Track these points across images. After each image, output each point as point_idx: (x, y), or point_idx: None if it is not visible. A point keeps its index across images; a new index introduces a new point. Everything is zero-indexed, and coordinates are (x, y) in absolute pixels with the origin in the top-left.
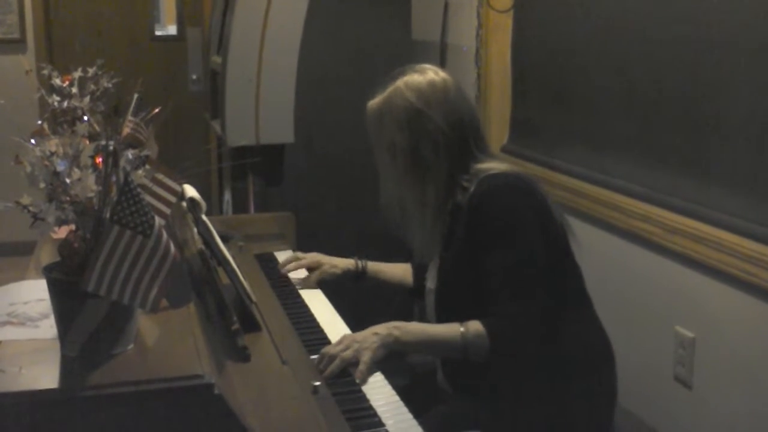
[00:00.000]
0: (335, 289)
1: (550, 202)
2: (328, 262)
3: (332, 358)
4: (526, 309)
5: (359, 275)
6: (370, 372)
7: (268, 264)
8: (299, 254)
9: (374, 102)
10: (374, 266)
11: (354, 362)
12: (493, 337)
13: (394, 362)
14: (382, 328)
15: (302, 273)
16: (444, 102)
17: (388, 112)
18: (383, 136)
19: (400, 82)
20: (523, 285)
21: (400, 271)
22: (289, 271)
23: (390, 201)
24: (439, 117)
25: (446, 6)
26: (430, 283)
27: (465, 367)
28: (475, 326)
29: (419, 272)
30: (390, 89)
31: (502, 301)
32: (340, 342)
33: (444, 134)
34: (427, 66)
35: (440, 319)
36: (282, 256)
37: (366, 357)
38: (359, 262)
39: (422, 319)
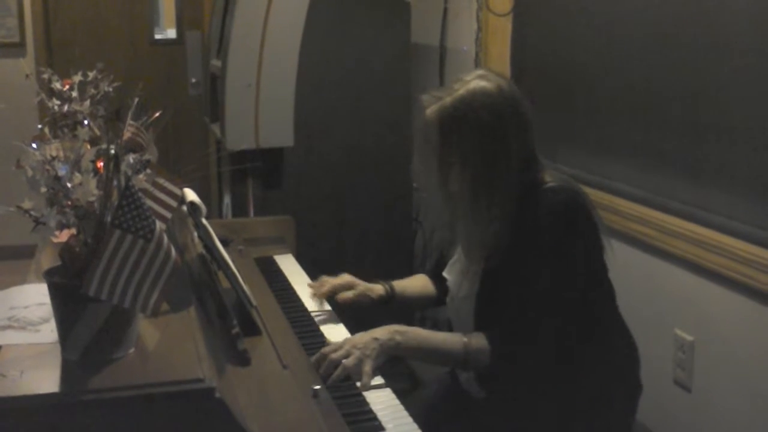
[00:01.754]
0: None
1: (598, 219)
2: (363, 284)
3: (333, 363)
4: (540, 333)
5: (389, 299)
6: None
7: (268, 268)
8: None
9: (433, 112)
10: (398, 285)
11: (356, 371)
12: (495, 356)
13: (394, 366)
14: (384, 332)
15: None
16: (514, 114)
17: (456, 130)
18: (449, 152)
19: (465, 92)
20: (545, 310)
21: (419, 284)
22: (318, 294)
23: (443, 216)
24: (513, 132)
25: (446, 10)
26: (460, 290)
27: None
28: (479, 340)
29: (439, 280)
30: (455, 99)
31: (519, 318)
32: (340, 347)
33: (516, 149)
34: (485, 71)
35: (479, 325)
36: (282, 259)
37: (368, 367)
38: (386, 286)
39: (424, 323)
